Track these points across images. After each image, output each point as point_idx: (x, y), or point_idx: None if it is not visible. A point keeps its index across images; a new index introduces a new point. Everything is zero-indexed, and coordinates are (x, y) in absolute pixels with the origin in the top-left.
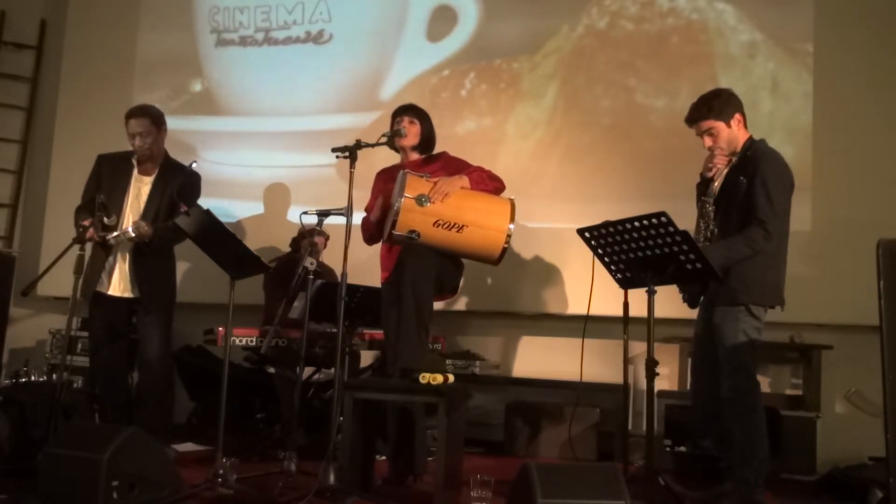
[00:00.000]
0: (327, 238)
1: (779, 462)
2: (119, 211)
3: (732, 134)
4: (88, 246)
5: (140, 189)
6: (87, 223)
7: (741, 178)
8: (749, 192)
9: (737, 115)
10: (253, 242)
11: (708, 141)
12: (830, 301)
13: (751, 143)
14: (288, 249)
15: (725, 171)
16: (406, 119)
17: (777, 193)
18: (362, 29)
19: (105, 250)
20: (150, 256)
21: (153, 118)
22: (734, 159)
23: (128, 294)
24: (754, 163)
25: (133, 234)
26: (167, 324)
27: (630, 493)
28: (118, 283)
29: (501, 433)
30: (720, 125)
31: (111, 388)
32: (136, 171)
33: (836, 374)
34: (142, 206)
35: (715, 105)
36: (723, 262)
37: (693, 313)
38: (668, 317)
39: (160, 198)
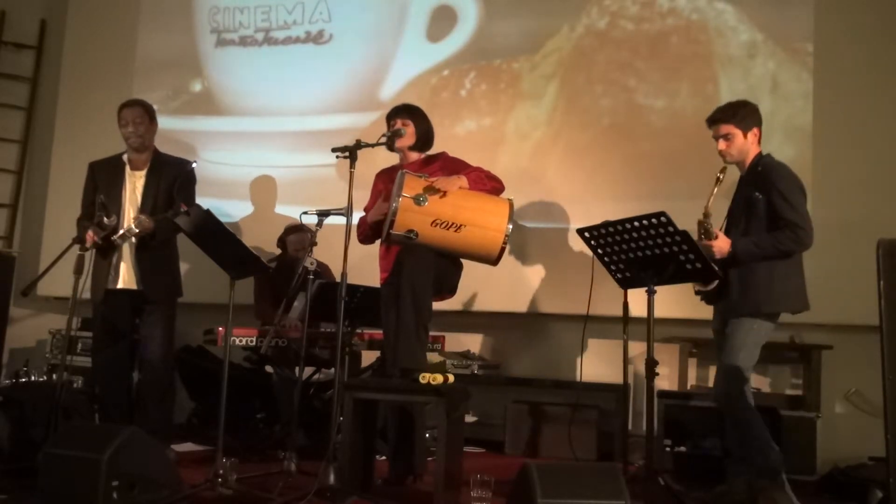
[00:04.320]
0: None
1: None
2: (118, 209)
3: (746, 145)
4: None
5: (135, 184)
6: (87, 223)
7: (756, 193)
8: (769, 207)
9: (755, 129)
10: (250, 241)
11: (722, 144)
12: (830, 301)
13: (759, 158)
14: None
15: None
16: (399, 121)
17: (797, 200)
18: (362, 29)
19: (107, 252)
20: (154, 252)
21: (146, 108)
22: (743, 174)
23: (133, 286)
24: (766, 176)
25: (137, 230)
26: (170, 323)
27: (630, 493)
28: (125, 278)
29: (501, 433)
30: (738, 132)
31: (112, 388)
32: (128, 169)
33: (836, 374)
34: (139, 200)
35: (739, 112)
36: (748, 251)
37: (693, 312)
38: (668, 317)
39: (156, 189)
